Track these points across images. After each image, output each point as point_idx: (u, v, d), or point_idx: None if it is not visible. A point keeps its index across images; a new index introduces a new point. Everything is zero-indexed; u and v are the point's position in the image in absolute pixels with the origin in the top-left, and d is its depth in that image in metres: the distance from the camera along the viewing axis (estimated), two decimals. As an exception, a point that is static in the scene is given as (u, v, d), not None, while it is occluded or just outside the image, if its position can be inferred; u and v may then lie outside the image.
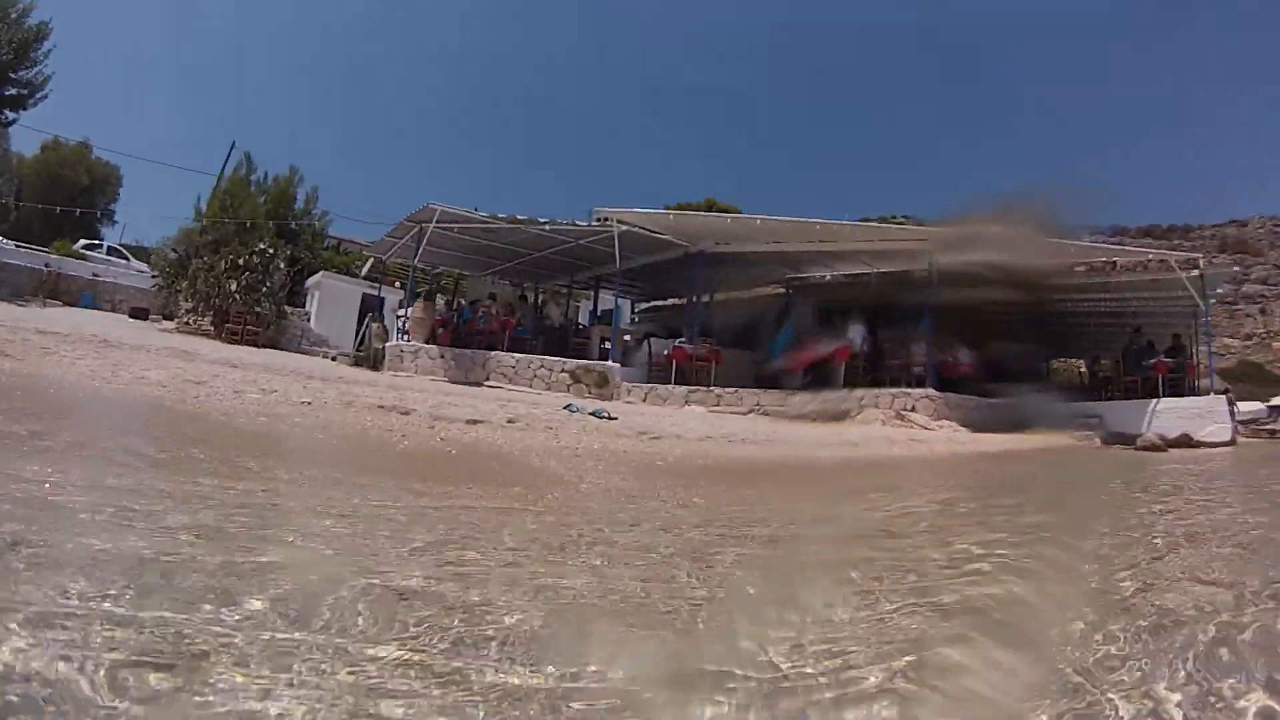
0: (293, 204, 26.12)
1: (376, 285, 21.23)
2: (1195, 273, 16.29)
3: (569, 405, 10.18)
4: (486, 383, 13.95)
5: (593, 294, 22.18)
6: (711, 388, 13.96)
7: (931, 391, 13.54)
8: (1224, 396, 16.41)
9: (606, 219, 15.92)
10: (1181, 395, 16.54)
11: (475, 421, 7.39)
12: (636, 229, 15.79)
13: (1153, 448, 13.79)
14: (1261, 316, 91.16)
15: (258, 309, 17.54)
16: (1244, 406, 36.87)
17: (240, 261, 17.87)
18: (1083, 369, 24.48)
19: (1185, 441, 14.78)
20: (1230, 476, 7.96)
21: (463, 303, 18.80)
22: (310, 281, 23.72)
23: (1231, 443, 15.26)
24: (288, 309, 20.15)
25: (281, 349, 16.52)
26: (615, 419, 9.48)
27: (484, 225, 15.80)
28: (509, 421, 7.78)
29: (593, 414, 9.62)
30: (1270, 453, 14.32)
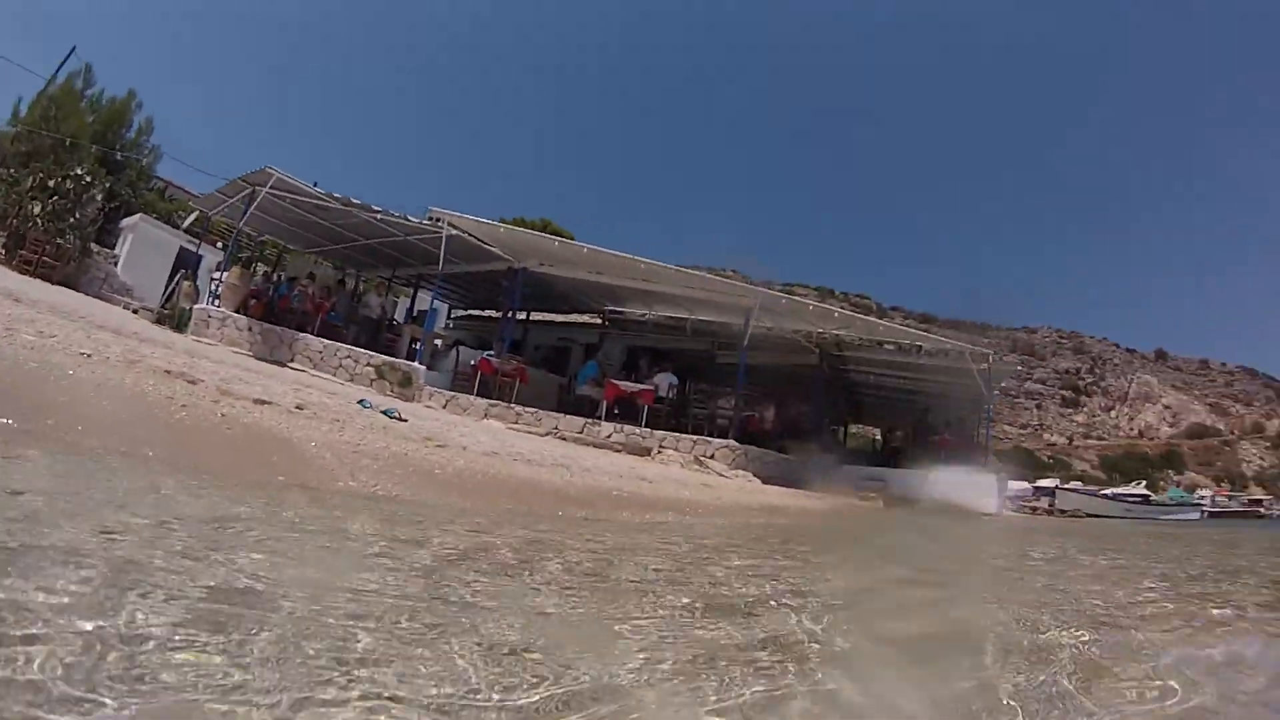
0: (124, 132, 23.30)
1: (196, 241, 19.57)
2: (985, 366, 17.77)
3: (363, 400, 9.82)
4: (291, 364, 13.16)
5: (412, 292, 21.51)
6: (513, 405, 13.69)
7: (732, 442, 13.89)
8: (994, 474, 17.82)
9: (438, 219, 15.43)
10: (960, 469, 17.79)
11: (263, 402, 7.06)
12: (466, 235, 15.49)
13: (927, 512, 14.74)
14: (1038, 411, 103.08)
15: (60, 240, 15.57)
16: (1014, 485, 40.81)
17: (51, 183, 15.85)
18: (877, 437, 26.13)
19: (959, 508, 15.99)
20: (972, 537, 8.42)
21: (281, 277, 17.65)
22: (126, 223, 21.46)
23: (997, 514, 16.66)
24: (94, 248, 18.06)
25: (79, 290, 14.81)
26: (406, 420, 9.18)
27: (317, 201, 14.97)
28: (298, 407, 7.48)
29: (384, 412, 9.29)
30: (1025, 524, 15.63)
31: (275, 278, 17.67)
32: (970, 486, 16.89)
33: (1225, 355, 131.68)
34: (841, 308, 17.96)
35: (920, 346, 18.98)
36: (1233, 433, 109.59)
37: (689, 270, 16.10)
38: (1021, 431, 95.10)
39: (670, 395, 15.12)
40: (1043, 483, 50.95)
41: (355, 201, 14.79)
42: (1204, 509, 65.49)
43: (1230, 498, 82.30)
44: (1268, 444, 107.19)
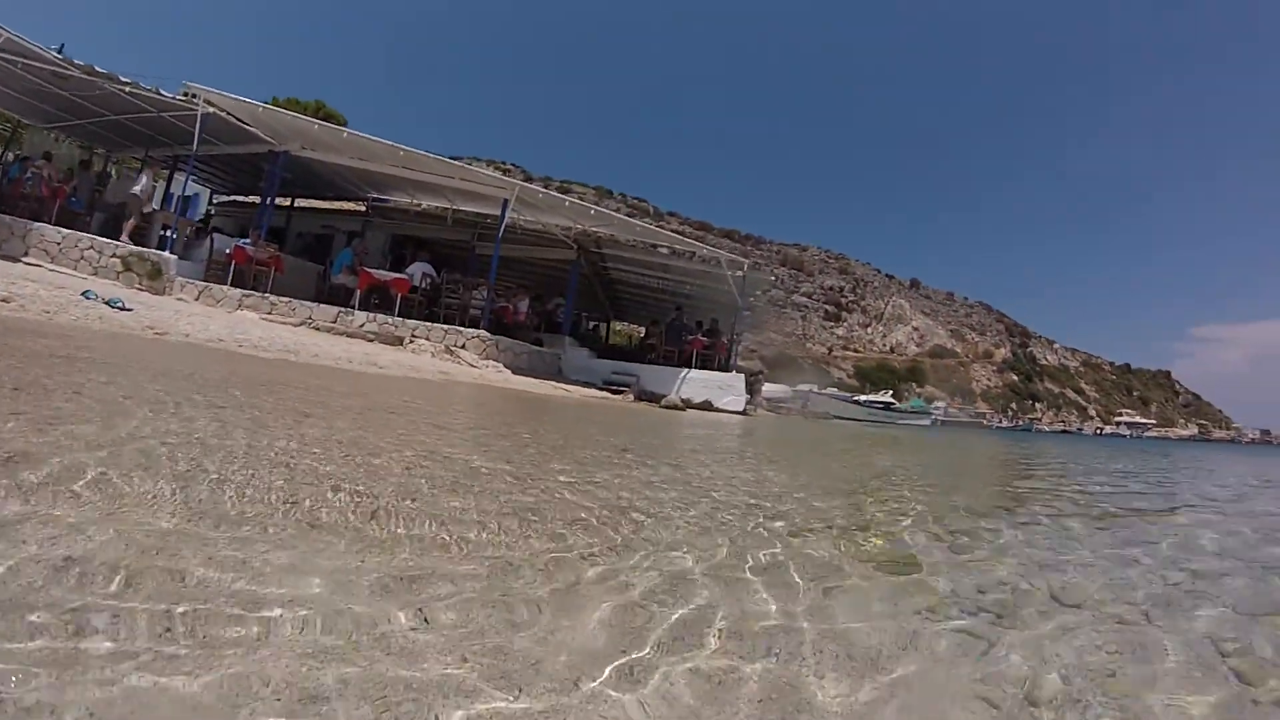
0: None
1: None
2: (740, 274, 18.90)
3: (87, 292, 9.37)
4: (25, 259, 11.86)
5: (168, 174, 19.65)
6: (268, 294, 13.37)
7: (483, 333, 14.25)
8: (742, 375, 19.21)
9: (194, 95, 14.35)
10: (711, 369, 18.94)
11: (-41, 297, 6.85)
12: (223, 113, 14.64)
13: (673, 407, 15.70)
14: (802, 322, 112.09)
15: None
16: (774, 388, 44.04)
17: None
18: (640, 333, 27.25)
19: (707, 406, 17.15)
20: (704, 431, 9.06)
21: (12, 157, 15.50)
22: None
23: (743, 412, 18.07)
24: None
25: None
26: (130, 310, 8.96)
27: (56, 69, 13.23)
28: (2, 300, 7.23)
29: (108, 303, 9.02)
30: (767, 422, 17.11)
31: (4, 158, 15.51)
32: (718, 387, 18.17)
33: (968, 291, 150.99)
34: (618, 208, 18.32)
35: (678, 250, 19.81)
36: (968, 356, 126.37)
37: (448, 160, 15.85)
38: (787, 339, 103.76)
39: (425, 285, 15.16)
40: (802, 387, 55.51)
41: (100, 71, 13.34)
42: (937, 418, 75.20)
43: (961, 409, 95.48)
44: (995, 368, 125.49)
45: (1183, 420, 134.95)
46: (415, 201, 19.99)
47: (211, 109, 14.36)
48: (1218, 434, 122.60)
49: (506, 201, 15.34)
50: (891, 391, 78.09)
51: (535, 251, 19.33)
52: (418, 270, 15.03)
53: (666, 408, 15.43)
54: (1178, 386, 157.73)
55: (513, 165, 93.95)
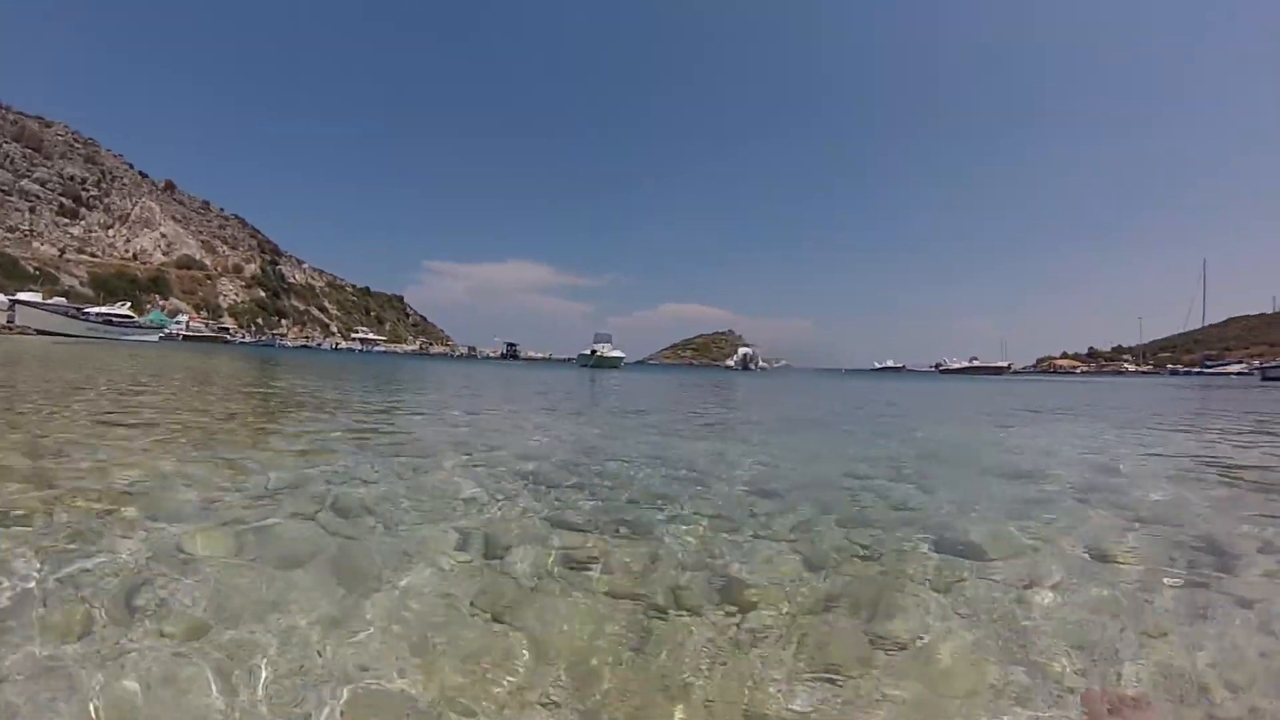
0: None
1: None
2: None
3: None
4: None
5: None
6: None
7: None
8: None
9: None
10: None
11: None
12: None
13: None
14: (31, 215, 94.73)
15: None
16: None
17: None
18: None
19: None
20: None
21: None
22: None
23: None
24: None
25: None
26: None
27: None
28: None
29: None
30: None
31: None
32: None
33: (225, 203, 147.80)
34: None
35: None
36: (217, 269, 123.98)
37: None
38: (9, 235, 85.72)
39: None
40: (25, 295, 48.85)
41: None
42: (174, 332, 73.71)
43: (206, 324, 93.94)
44: (244, 283, 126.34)
45: (410, 337, 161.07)
46: None
47: None
48: (436, 349, 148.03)
49: None
50: (130, 304, 73.45)
51: None
52: None
53: None
54: (409, 309, 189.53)
55: None
